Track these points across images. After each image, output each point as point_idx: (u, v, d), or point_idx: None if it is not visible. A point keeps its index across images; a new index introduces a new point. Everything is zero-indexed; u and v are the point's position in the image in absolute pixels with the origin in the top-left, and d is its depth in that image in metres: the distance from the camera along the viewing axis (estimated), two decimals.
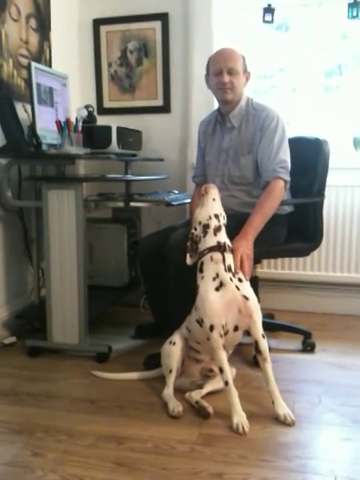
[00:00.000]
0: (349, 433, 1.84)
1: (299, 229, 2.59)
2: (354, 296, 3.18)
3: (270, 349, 2.41)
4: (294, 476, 1.59)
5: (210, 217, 2.03)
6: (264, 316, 2.78)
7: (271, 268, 3.24)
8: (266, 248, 2.44)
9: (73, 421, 1.93)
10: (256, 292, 2.61)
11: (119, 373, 2.30)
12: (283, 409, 1.94)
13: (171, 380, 2.07)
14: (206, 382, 2.12)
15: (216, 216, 2.04)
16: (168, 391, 2.04)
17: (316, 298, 3.22)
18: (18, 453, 1.73)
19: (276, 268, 3.24)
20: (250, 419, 1.90)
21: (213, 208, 2.06)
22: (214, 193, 2.10)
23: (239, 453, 1.71)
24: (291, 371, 2.39)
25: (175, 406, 1.96)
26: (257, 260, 2.64)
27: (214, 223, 2.02)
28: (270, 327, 2.75)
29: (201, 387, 2.10)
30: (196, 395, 2.04)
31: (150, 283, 2.61)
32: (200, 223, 2.05)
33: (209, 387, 2.10)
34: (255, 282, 2.66)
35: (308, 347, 2.63)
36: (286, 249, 2.60)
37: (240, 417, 1.86)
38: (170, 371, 2.08)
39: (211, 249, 1.99)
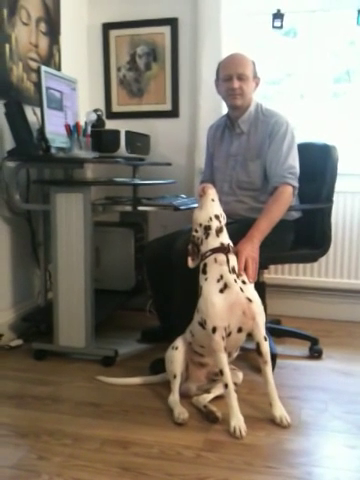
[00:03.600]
0: (355, 441, 1.83)
1: (307, 235, 2.58)
2: None
3: (276, 355, 2.44)
4: None
5: (211, 218, 2.01)
6: (271, 322, 2.80)
7: (278, 274, 3.24)
8: (273, 254, 2.44)
9: (78, 425, 1.93)
10: (263, 297, 2.62)
11: (123, 378, 2.30)
12: (280, 411, 1.94)
13: (176, 386, 2.06)
14: (213, 386, 2.11)
15: (216, 217, 2.02)
16: (174, 397, 2.03)
17: (323, 304, 3.21)
18: (23, 456, 1.72)
19: (283, 274, 3.24)
20: (256, 426, 1.90)
21: (213, 209, 2.04)
22: (212, 193, 2.08)
23: (244, 460, 1.70)
24: (297, 377, 2.38)
25: (180, 413, 1.95)
26: (264, 266, 2.64)
27: (215, 224, 2.01)
28: (277, 333, 2.75)
29: (208, 391, 2.10)
30: (204, 399, 2.04)
31: (156, 287, 2.61)
32: (201, 225, 2.03)
33: (216, 391, 2.08)
34: (262, 287, 2.65)
35: (315, 353, 2.62)
36: (293, 255, 2.59)
37: (238, 420, 1.86)
38: (174, 376, 2.07)
39: (214, 250, 1.98)
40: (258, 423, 1.92)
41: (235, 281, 1.94)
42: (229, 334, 1.94)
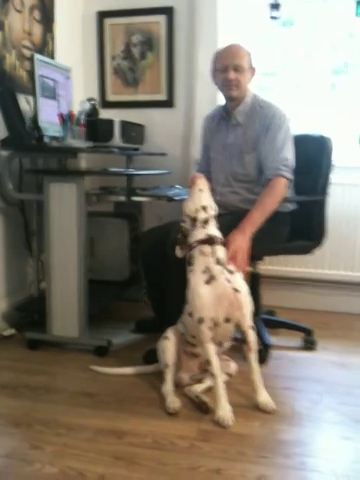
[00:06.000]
0: (349, 432, 1.83)
1: (302, 227, 2.57)
2: (356, 295, 3.17)
3: (271, 346, 2.44)
4: (293, 473, 1.59)
5: (197, 210, 2.01)
6: (265, 313, 2.80)
7: (273, 265, 3.23)
8: (268, 245, 2.45)
9: (72, 415, 1.92)
10: (257, 289, 2.63)
11: (117, 368, 2.29)
12: (263, 397, 1.97)
13: (169, 375, 2.06)
14: (206, 376, 2.11)
15: (204, 208, 2.02)
16: (167, 387, 2.03)
17: (318, 296, 3.21)
18: (17, 446, 1.72)
19: (278, 265, 3.23)
20: (249, 416, 1.91)
21: (200, 200, 2.03)
22: (201, 184, 2.07)
23: (238, 449, 1.70)
24: (292, 369, 2.38)
25: (171, 402, 1.95)
26: (259, 257, 2.64)
27: (202, 215, 2.01)
28: (271, 324, 2.75)
29: (201, 381, 2.10)
30: (196, 390, 2.04)
31: (151, 278, 2.60)
32: (188, 216, 2.04)
33: (209, 381, 2.08)
34: (257, 279, 2.65)
35: (309, 345, 2.62)
36: (289, 247, 2.58)
37: (224, 410, 1.87)
38: (167, 366, 2.07)
39: (200, 242, 1.98)
40: (252, 413, 1.93)
41: (221, 272, 1.94)
42: (216, 325, 1.94)
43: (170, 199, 2.48)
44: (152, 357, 2.25)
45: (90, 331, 2.53)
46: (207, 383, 2.08)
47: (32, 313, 2.80)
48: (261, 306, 2.66)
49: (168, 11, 3.31)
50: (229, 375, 2.15)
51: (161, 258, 2.33)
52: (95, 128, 2.78)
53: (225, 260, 1.99)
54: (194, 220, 2.02)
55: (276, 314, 2.98)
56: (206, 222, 2.01)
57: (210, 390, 2.01)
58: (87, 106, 2.74)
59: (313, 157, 2.58)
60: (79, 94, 3.27)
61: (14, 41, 2.74)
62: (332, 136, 2.60)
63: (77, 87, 3.20)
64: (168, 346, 2.09)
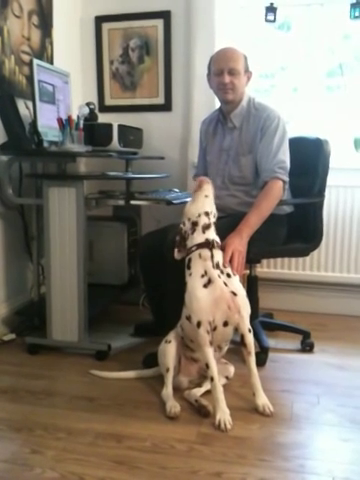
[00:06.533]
0: (347, 434, 1.84)
1: (299, 229, 2.59)
2: (353, 297, 3.18)
3: (269, 349, 2.45)
4: (292, 476, 1.60)
5: (199, 214, 2.03)
6: (263, 315, 2.81)
7: (271, 268, 3.24)
8: (266, 248, 2.45)
9: (72, 419, 1.93)
10: (255, 291, 2.64)
11: (117, 372, 2.30)
12: (262, 400, 1.98)
13: (169, 379, 2.07)
14: (204, 380, 2.12)
15: (206, 214, 2.03)
16: (167, 391, 2.04)
17: (315, 298, 3.22)
18: (17, 450, 1.73)
19: (276, 268, 3.24)
20: (248, 419, 1.92)
21: (204, 205, 2.05)
22: (207, 189, 2.09)
23: (237, 453, 1.71)
24: (290, 371, 2.39)
25: (172, 407, 1.96)
26: (257, 260, 2.65)
27: (203, 221, 2.02)
28: (269, 327, 2.76)
29: (200, 385, 2.11)
30: (195, 394, 2.05)
31: (150, 281, 2.61)
32: (189, 219, 2.05)
33: (207, 385, 2.08)
34: (254, 282, 2.67)
35: (307, 347, 2.63)
36: (286, 249, 2.60)
37: (223, 413, 1.87)
38: (167, 370, 2.08)
39: (199, 246, 1.99)
40: (250, 416, 1.94)
41: (219, 276, 1.96)
42: (215, 328, 1.95)
43: (169, 203, 2.49)
44: (152, 361, 2.26)
45: (90, 335, 2.53)
46: (206, 387, 2.08)
47: (32, 318, 2.81)
48: (259, 309, 2.67)
49: (165, 15, 3.32)
50: (227, 378, 2.16)
51: (159, 261, 2.34)
52: (94, 132, 2.80)
53: (223, 263, 2.01)
54: (195, 224, 2.03)
55: (274, 316, 2.99)
56: (207, 228, 2.02)
57: (209, 394, 2.02)
58: (86, 110, 2.75)
59: (310, 159, 2.58)
60: (78, 98, 3.28)
61: (13, 46, 2.75)
62: (328, 137, 2.61)
63: (75, 91, 3.22)
64: (169, 350, 2.09)
